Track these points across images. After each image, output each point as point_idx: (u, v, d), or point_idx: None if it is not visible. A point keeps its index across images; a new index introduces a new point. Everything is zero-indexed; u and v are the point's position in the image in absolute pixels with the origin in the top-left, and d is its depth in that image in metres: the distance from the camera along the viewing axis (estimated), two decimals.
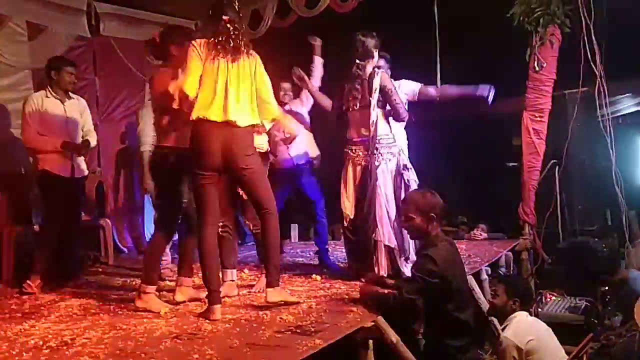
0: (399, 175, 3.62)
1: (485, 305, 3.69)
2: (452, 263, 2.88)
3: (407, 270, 3.47)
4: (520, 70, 5.01)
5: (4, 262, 4.47)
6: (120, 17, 6.01)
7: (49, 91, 3.92)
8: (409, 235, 3.33)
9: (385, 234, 3.54)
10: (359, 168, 3.67)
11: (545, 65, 4.85)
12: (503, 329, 2.91)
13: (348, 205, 3.69)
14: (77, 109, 4.08)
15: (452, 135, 5.91)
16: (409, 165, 3.69)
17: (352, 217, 3.68)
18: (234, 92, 2.90)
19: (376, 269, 3.54)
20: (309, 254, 5.27)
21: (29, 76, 5.14)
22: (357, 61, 3.64)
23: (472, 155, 5.83)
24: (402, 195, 3.51)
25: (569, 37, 4.81)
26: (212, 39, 2.92)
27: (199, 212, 2.97)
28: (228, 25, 2.92)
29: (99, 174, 5.72)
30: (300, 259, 5.02)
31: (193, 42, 2.96)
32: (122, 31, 6.05)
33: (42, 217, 4.12)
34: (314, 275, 3.95)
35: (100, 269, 4.90)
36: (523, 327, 2.86)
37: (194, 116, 2.88)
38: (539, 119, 4.98)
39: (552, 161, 5.09)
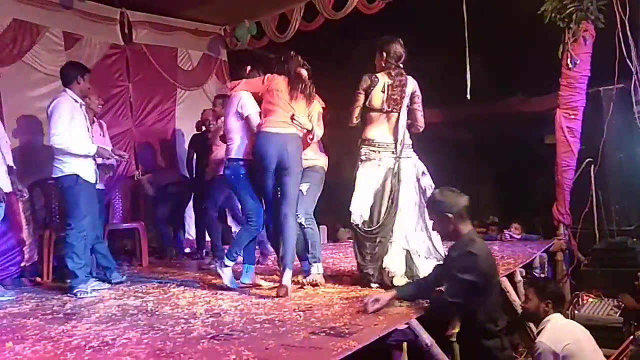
0: (416, 180, 3.65)
1: (519, 308, 3.64)
2: (489, 260, 2.82)
3: (423, 264, 3.48)
4: (553, 68, 4.93)
5: (44, 265, 4.66)
6: (152, 25, 6.17)
7: None
8: (440, 236, 3.30)
9: (404, 237, 3.54)
10: (381, 169, 3.65)
11: (578, 62, 4.76)
12: (538, 333, 2.86)
13: (364, 206, 3.63)
14: None
15: (484, 134, 5.85)
16: (426, 172, 3.71)
17: (367, 218, 3.63)
18: None
19: (389, 270, 3.51)
20: (339, 255, 5.30)
21: None
22: (399, 64, 3.66)
23: (504, 154, 5.76)
24: (420, 199, 3.54)
25: (603, 32, 4.71)
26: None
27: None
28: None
29: (137, 177, 5.84)
30: (330, 260, 5.03)
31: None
32: (154, 38, 6.21)
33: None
34: (345, 277, 3.96)
35: (135, 271, 5.02)
36: (559, 331, 2.80)
37: None
38: (573, 117, 4.88)
39: (587, 159, 5.00)
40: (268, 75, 3.69)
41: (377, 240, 3.57)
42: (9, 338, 2.77)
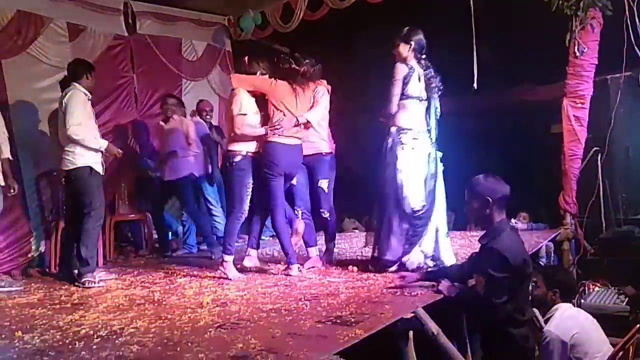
0: None
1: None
2: (520, 252, 2.76)
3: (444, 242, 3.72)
4: (559, 56, 4.88)
5: (51, 256, 4.69)
6: (156, 15, 6.14)
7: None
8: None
9: (443, 220, 3.76)
10: (422, 155, 3.73)
11: (586, 50, 4.71)
12: (546, 321, 2.85)
13: (420, 192, 3.69)
14: None
15: (490, 123, 5.81)
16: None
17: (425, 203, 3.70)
18: None
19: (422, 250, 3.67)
20: (344, 246, 5.31)
21: None
22: (423, 56, 3.77)
23: (510, 144, 5.72)
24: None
25: (611, 20, 4.65)
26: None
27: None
28: None
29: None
30: (336, 250, 5.03)
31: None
32: (158, 29, 6.19)
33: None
34: (350, 267, 3.97)
35: (142, 262, 5.05)
36: (567, 320, 2.80)
37: None
38: (580, 105, 4.84)
39: (594, 148, 4.96)
40: (273, 81, 3.91)
41: (422, 221, 3.69)
42: (18, 327, 2.81)
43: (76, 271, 4.02)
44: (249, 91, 3.91)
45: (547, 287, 2.91)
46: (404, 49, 3.73)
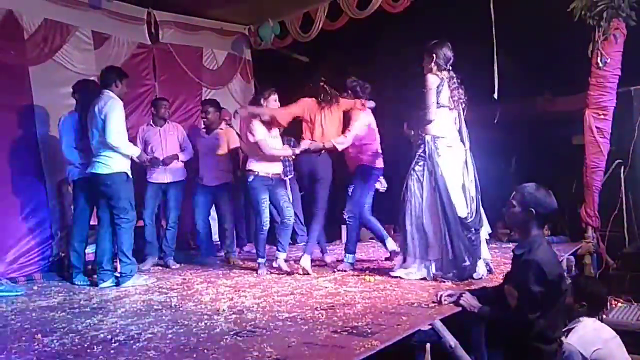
0: None
1: None
2: (555, 266, 2.65)
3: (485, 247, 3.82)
4: (581, 67, 4.82)
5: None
6: (178, 25, 6.25)
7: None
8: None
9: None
10: (458, 162, 3.81)
11: (609, 61, 4.64)
12: (567, 333, 2.78)
13: (461, 200, 3.75)
14: None
15: (510, 134, 5.75)
16: None
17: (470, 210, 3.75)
18: None
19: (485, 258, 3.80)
20: (360, 255, 5.27)
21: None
22: (449, 67, 3.85)
23: (530, 154, 5.66)
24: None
25: (635, 30, 4.58)
26: None
27: None
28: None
29: None
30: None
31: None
32: (180, 38, 6.29)
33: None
34: (367, 277, 3.95)
35: (160, 267, 5.09)
36: (589, 334, 2.73)
37: None
38: (602, 117, 4.76)
39: (617, 161, 4.88)
40: (301, 100, 4.41)
41: (473, 229, 3.73)
42: (37, 330, 2.85)
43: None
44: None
45: (576, 298, 2.82)
46: (428, 61, 3.85)
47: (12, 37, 4.82)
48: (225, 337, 2.56)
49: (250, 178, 4.38)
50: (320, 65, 6.39)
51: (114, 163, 4.07)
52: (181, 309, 3.26)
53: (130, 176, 4.19)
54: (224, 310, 3.12)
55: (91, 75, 5.36)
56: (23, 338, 2.74)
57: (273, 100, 4.42)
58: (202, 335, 2.63)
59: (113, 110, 4.01)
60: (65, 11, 5.23)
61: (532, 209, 2.65)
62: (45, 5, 5.09)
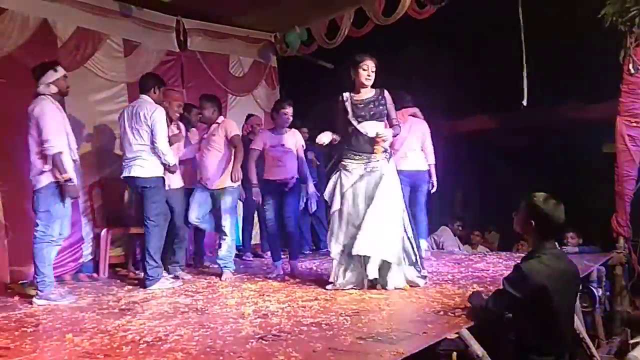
0: None
1: (576, 322, 3.48)
2: (552, 278, 2.55)
3: None
4: (611, 74, 4.73)
5: (101, 261, 4.86)
6: (206, 32, 6.34)
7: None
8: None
9: None
10: None
11: None
12: (633, 346, 2.68)
13: None
14: None
15: (538, 141, 5.67)
16: None
17: None
18: None
19: None
20: None
21: (125, 89, 5.52)
22: None
23: (559, 162, 5.56)
24: None
25: None
26: None
27: None
28: None
29: None
30: None
31: None
32: (207, 45, 6.38)
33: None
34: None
35: (185, 270, 5.14)
36: None
37: None
38: (634, 124, 4.67)
39: None
40: None
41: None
42: (68, 330, 2.92)
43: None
44: None
45: None
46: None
47: (46, 45, 4.96)
48: (251, 340, 2.58)
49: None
50: (345, 72, 6.40)
51: (154, 167, 4.19)
52: (207, 311, 3.30)
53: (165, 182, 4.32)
54: (249, 314, 3.14)
55: (120, 82, 5.51)
56: (55, 337, 2.81)
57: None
58: (228, 338, 2.65)
59: (159, 119, 4.15)
60: (97, 19, 5.35)
61: (532, 221, 2.62)
62: (78, 13, 5.21)
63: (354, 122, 3.78)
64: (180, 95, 4.99)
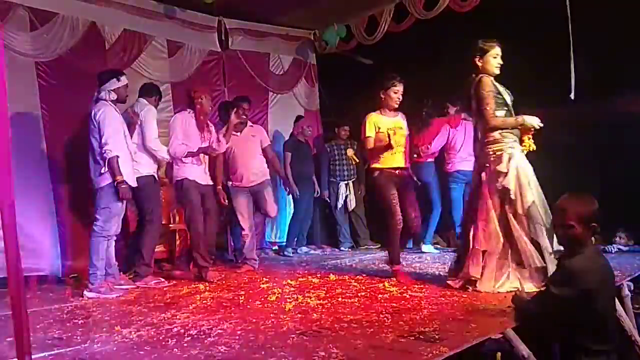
0: None
1: (628, 324, 3.33)
2: (597, 275, 2.50)
3: None
4: None
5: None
6: (246, 31, 6.43)
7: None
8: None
9: None
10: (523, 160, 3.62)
11: None
12: None
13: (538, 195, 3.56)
14: None
15: (587, 136, 5.43)
16: None
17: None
18: None
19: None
20: (426, 260, 5.19)
21: (169, 89, 5.68)
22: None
23: (610, 158, 5.32)
24: None
25: None
26: None
27: None
28: None
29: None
30: (417, 264, 4.94)
31: None
32: (248, 44, 6.48)
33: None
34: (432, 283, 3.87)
35: (228, 266, 5.25)
36: None
37: None
38: None
39: None
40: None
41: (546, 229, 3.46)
42: (117, 322, 3.03)
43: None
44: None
45: None
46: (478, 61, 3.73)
47: (94, 48, 5.15)
48: (292, 336, 2.60)
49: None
50: (384, 68, 6.35)
51: (142, 167, 4.30)
52: (248, 306, 3.35)
53: (157, 180, 4.46)
54: (289, 309, 3.17)
55: (165, 82, 5.65)
56: (104, 329, 2.92)
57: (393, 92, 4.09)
58: (269, 333, 2.68)
59: (148, 117, 4.32)
60: (142, 21, 5.53)
61: (595, 224, 2.53)
62: (125, 16, 5.40)
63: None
64: (206, 88, 4.91)
